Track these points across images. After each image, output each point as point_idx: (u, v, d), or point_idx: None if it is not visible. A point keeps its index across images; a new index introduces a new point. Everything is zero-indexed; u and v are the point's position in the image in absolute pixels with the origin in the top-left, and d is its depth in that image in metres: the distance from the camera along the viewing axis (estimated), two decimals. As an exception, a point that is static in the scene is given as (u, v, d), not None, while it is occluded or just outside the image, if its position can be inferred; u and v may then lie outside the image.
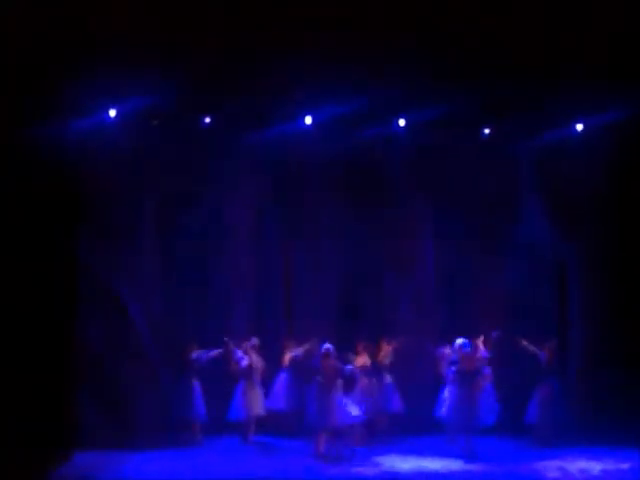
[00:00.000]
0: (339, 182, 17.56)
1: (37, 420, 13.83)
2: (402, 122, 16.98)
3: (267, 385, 16.90)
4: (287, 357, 16.95)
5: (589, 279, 17.63)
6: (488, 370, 16.07)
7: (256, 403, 16.37)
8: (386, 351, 16.82)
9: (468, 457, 14.89)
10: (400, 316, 17.94)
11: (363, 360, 16.41)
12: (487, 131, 17.52)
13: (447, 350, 16.00)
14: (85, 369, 15.52)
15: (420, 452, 15.39)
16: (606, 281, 17.43)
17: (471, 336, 15.90)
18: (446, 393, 15.71)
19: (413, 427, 16.82)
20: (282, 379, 16.93)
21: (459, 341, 15.37)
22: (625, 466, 14.39)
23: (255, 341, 16.83)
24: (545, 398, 16.36)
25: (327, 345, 15.40)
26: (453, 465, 14.59)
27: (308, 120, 16.62)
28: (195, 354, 16.46)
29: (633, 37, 14.76)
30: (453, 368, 15.32)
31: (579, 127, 17.17)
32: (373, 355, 16.71)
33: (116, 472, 13.72)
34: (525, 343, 16.64)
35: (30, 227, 14.40)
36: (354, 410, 14.94)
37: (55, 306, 14.51)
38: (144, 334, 16.56)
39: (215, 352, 16.47)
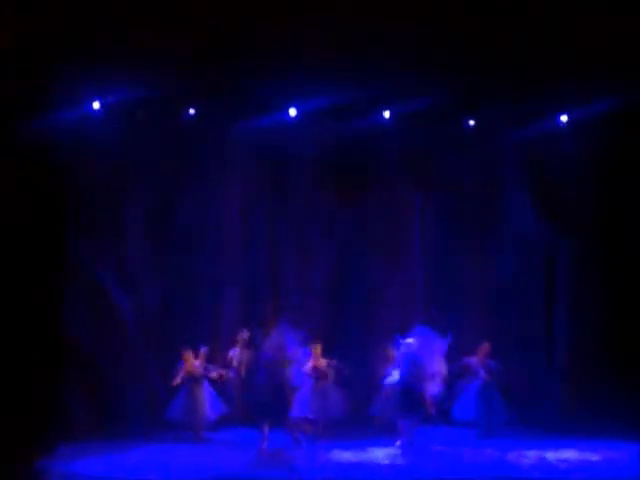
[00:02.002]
0: (325, 173, 17.64)
1: (22, 412, 13.87)
2: (387, 114, 16.99)
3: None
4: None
5: (577, 272, 17.72)
6: None
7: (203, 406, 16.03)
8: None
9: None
10: (386, 305, 18.05)
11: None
12: (472, 122, 17.52)
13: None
14: (72, 361, 15.62)
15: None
16: (594, 274, 17.53)
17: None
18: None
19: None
20: None
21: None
22: (599, 457, 14.44)
23: (245, 334, 16.85)
24: (480, 395, 16.36)
25: None
26: (428, 454, 14.70)
27: (293, 112, 16.64)
28: (202, 365, 16.12)
29: (617, 29, 14.74)
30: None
31: (564, 118, 17.19)
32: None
33: (99, 465, 13.75)
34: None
35: (15, 220, 14.44)
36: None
37: (41, 299, 14.54)
38: (132, 326, 16.64)
39: (217, 373, 16.24)
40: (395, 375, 15.37)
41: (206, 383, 16.06)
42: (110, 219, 16.89)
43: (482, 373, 16.42)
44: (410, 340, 15.10)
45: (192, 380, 15.91)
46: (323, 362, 16.19)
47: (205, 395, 15.97)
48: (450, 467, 13.85)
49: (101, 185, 16.66)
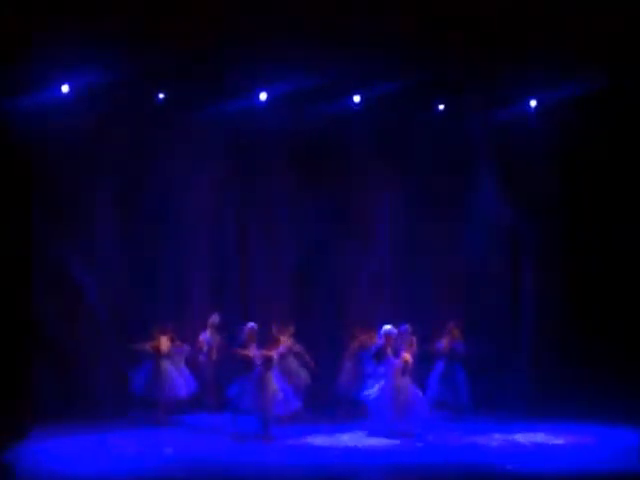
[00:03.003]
0: (294, 157, 17.64)
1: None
2: (357, 98, 17.02)
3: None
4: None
5: (543, 255, 17.87)
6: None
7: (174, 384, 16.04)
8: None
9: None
10: (355, 289, 18.14)
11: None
12: (442, 107, 17.60)
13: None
14: (39, 345, 15.55)
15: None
16: (560, 258, 17.67)
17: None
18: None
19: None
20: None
21: (386, 327, 15.32)
22: (565, 440, 14.63)
23: (216, 318, 16.86)
24: (448, 378, 16.58)
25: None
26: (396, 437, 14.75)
27: (263, 96, 16.62)
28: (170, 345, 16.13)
29: (589, 14, 14.84)
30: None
31: (533, 103, 17.29)
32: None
33: (69, 450, 13.76)
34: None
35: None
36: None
37: (7, 283, 14.45)
38: (99, 309, 16.61)
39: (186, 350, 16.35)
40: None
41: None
42: (78, 202, 16.79)
43: (450, 355, 16.57)
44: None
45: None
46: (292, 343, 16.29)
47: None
48: (419, 450, 14.00)
49: (69, 168, 16.52)
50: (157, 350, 15.93)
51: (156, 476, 12.36)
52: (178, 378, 16.05)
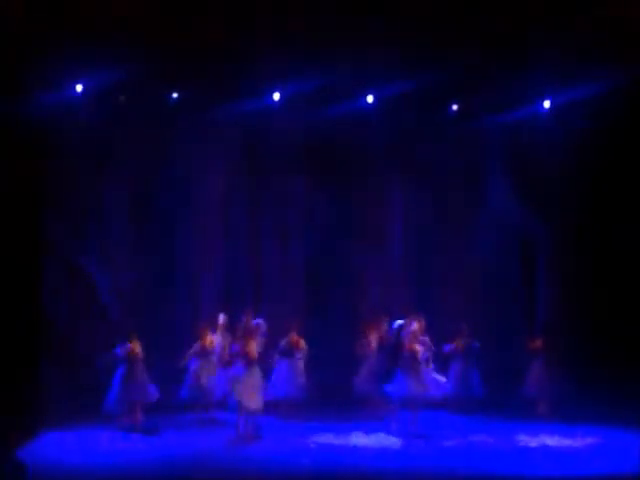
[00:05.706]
0: (306, 158, 17.72)
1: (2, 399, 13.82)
2: (370, 98, 17.00)
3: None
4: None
5: (557, 256, 17.84)
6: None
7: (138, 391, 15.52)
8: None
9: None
10: (367, 289, 18.13)
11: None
12: (455, 107, 17.56)
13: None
14: (52, 346, 15.57)
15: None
16: (573, 259, 17.63)
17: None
18: None
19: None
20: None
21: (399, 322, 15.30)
22: (580, 442, 14.54)
23: (223, 319, 16.83)
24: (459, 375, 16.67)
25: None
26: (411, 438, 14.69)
27: (276, 96, 16.61)
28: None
29: (602, 14, 14.78)
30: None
31: (546, 104, 17.24)
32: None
33: (79, 450, 13.79)
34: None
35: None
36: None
37: (19, 282, 14.44)
38: (111, 309, 16.62)
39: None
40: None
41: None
42: (91, 202, 16.85)
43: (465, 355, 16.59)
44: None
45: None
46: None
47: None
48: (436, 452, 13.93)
49: (82, 168, 16.58)
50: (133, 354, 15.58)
51: (162, 473, 12.43)
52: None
